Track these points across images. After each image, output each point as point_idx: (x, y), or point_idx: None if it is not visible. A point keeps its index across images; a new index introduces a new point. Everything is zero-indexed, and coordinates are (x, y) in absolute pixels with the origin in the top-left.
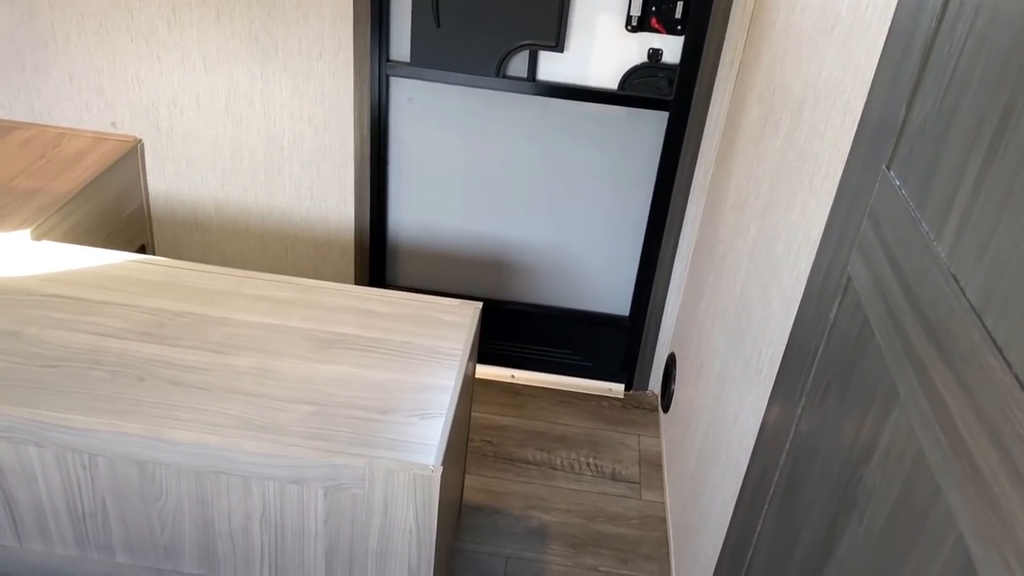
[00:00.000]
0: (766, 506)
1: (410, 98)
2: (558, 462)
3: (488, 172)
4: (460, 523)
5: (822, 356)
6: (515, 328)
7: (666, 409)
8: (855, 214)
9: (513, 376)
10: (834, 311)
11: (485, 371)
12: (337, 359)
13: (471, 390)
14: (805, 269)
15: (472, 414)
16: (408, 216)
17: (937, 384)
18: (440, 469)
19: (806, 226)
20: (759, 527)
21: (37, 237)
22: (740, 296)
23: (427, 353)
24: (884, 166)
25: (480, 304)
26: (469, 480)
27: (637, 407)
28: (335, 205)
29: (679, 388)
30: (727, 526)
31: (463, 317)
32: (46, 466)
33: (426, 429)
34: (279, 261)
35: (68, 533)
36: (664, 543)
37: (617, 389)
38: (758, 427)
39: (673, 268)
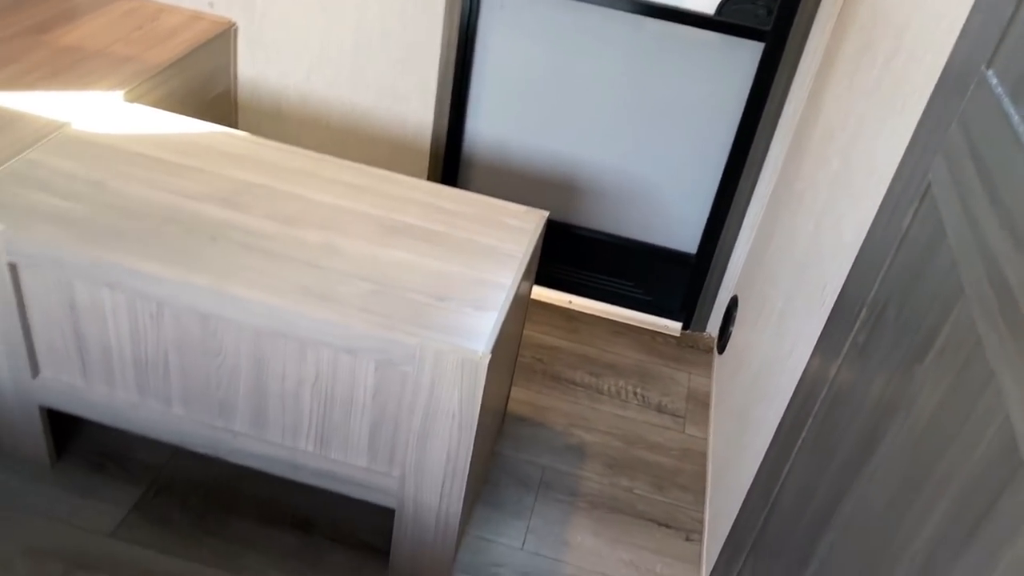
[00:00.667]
0: (809, 420)
1: (502, 4)
2: (605, 387)
3: (571, 90)
4: (503, 430)
5: (888, 270)
6: (578, 253)
7: (721, 351)
8: (944, 120)
9: (571, 302)
10: (908, 219)
11: (543, 293)
12: (400, 246)
13: (526, 302)
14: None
15: (525, 332)
16: (486, 127)
17: (1007, 275)
18: (488, 356)
19: (891, 152)
20: (800, 441)
21: (129, 100)
22: (813, 231)
23: (488, 252)
24: (983, 66)
25: (546, 213)
26: (516, 393)
27: (692, 347)
28: (415, 108)
29: (737, 331)
30: (766, 450)
31: (528, 223)
32: (117, 311)
33: (479, 320)
34: (354, 160)
35: (131, 379)
36: (702, 476)
37: (674, 327)
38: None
39: (748, 208)
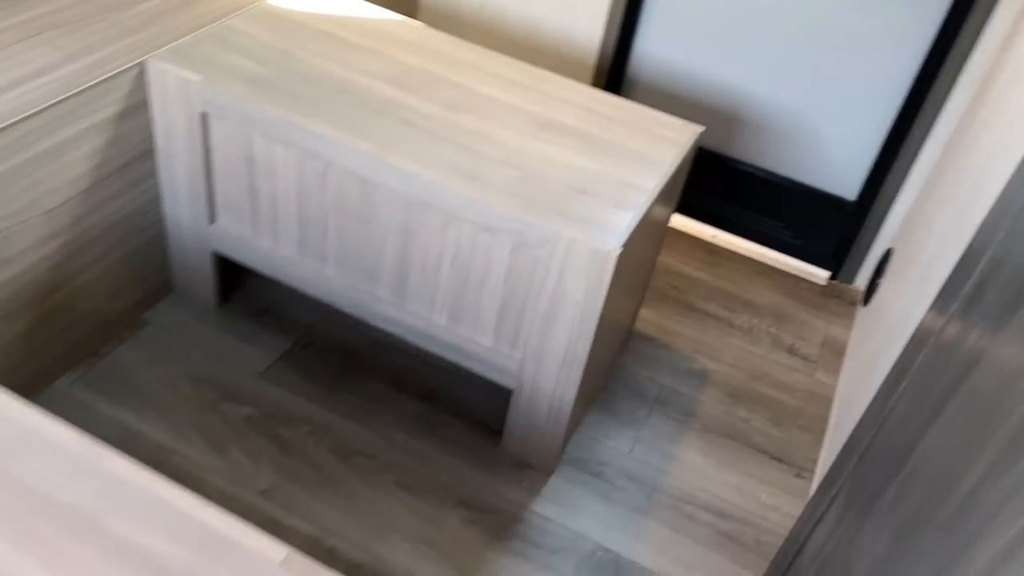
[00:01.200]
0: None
1: None
2: (738, 323)
3: (746, 16)
4: (627, 346)
5: (1012, 227)
6: (729, 187)
7: (866, 303)
8: None
9: (715, 236)
10: None
11: (687, 224)
12: (551, 140)
13: (664, 226)
14: None
15: (663, 260)
16: (654, 47)
17: None
18: (618, 251)
19: None
20: (902, 386)
21: None
22: (974, 184)
23: (636, 157)
24: None
25: (700, 128)
26: (646, 314)
27: (836, 297)
28: (585, 25)
29: (885, 283)
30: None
31: (681, 136)
32: (288, 168)
33: (615, 216)
34: None
35: (293, 236)
36: (823, 420)
37: (820, 275)
38: None
39: (918, 157)
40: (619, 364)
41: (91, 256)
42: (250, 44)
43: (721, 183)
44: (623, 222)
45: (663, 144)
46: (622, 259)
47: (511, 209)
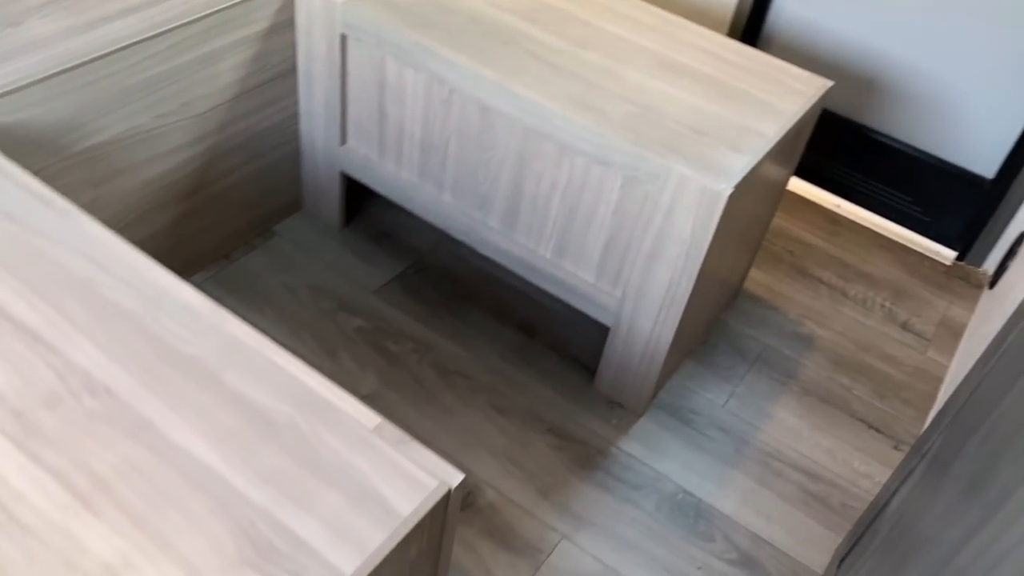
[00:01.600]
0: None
1: None
2: (852, 293)
3: None
4: (734, 304)
5: None
6: (857, 155)
7: (992, 286)
8: None
9: (838, 206)
10: None
11: (810, 191)
12: (673, 82)
13: (781, 187)
14: None
15: (781, 224)
16: (793, 7)
17: None
18: (729, 192)
19: None
20: (994, 359)
21: None
22: None
23: (758, 104)
24: None
25: (829, 83)
26: (756, 275)
27: (961, 279)
28: None
29: (1015, 267)
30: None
31: (808, 88)
32: (416, 92)
33: (730, 158)
34: None
35: (415, 161)
36: (930, 397)
37: (947, 254)
38: None
39: None
40: (723, 321)
41: (231, 164)
42: None
43: (850, 151)
44: (738, 165)
45: (789, 94)
46: (732, 203)
47: (626, 142)
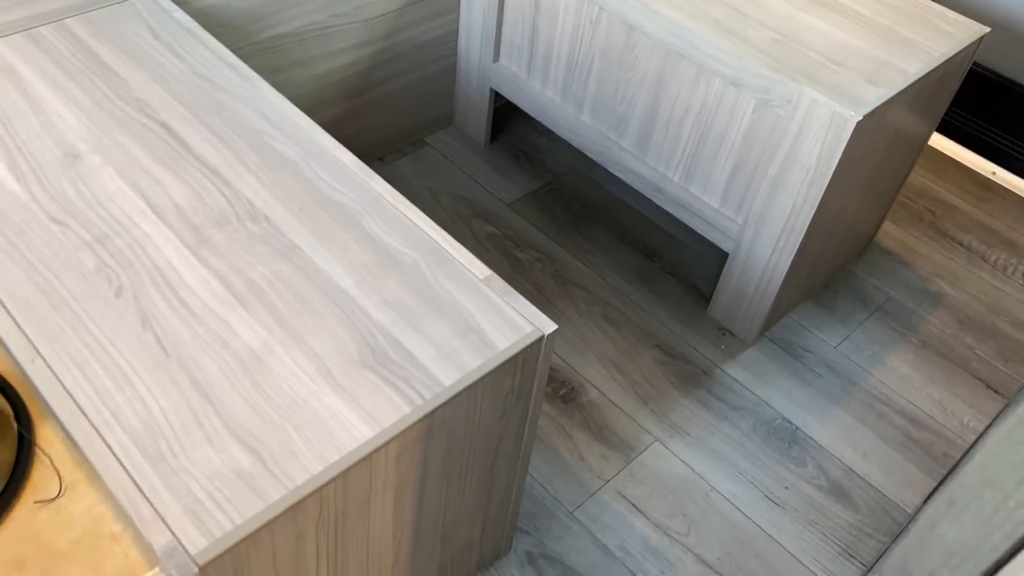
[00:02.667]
0: None
1: None
2: (992, 258)
3: None
4: (863, 255)
5: None
6: (1018, 118)
7: None
8: None
9: (994, 173)
10: None
11: (964, 155)
12: (820, 15)
13: (921, 139)
14: None
15: (927, 183)
16: None
17: None
18: (857, 120)
19: None
20: None
21: None
22: None
23: (904, 43)
24: None
25: (985, 30)
26: (891, 230)
27: None
28: None
29: None
30: None
31: (960, 32)
32: (567, 10)
33: (865, 90)
34: None
35: (559, 80)
36: None
37: None
38: None
39: None
40: (849, 269)
41: (393, 71)
42: None
43: (1012, 115)
44: (871, 96)
45: (938, 36)
46: (860, 134)
47: (761, 66)
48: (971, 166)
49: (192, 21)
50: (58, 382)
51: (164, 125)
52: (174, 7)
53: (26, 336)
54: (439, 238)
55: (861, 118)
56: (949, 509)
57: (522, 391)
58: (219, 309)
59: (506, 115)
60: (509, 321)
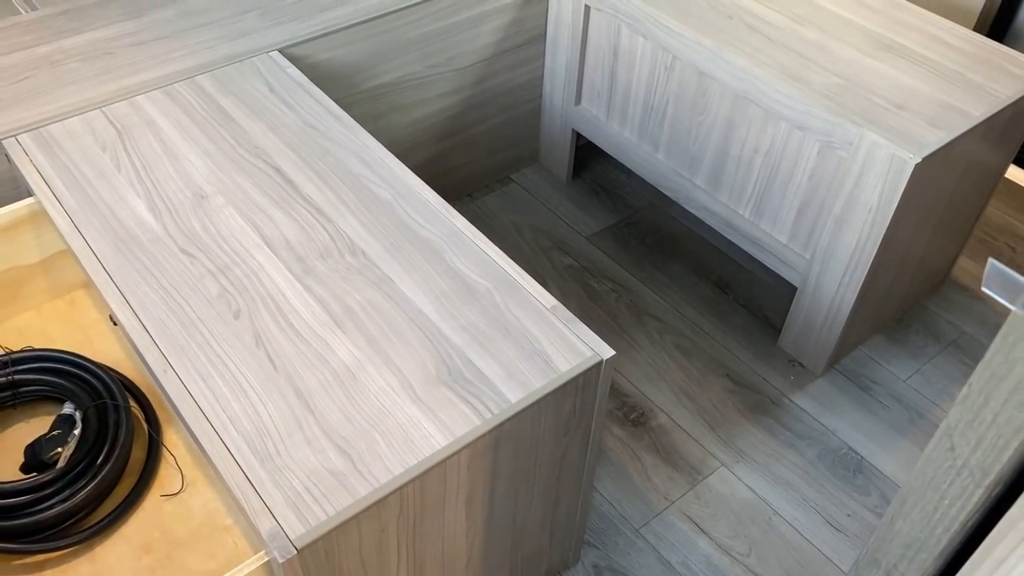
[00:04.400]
0: None
1: None
2: None
3: None
4: (937, 290)
5: None
6: None
7: None
8: None
9: None
10: None
11: None
12: (884, 60)
13: (996, 172)
14: None
15: (1006, 218)
16: None
17: None
18: (916, 162)
19: None
20: None
21: None
22: None
23: (970, 85)
24: None
25: None
26: (968, 265)
27: None
28: None
29: None
30: None
31: None
32: (643, 58)
33: (926, 132)
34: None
35: (636, 122)
36: None
37: None
38: None
39: None
40: (922, 304)
41: (483, 114)
42: None
43: None
44: (931, 139)
45: (1005, 78)
46: (921, 175)
47: (824, 110)
48: None
49: (303, 76)
50: (186, 390)
51: (277, 169)
52: (288, 64)
53: (160, 351)
54: (511, 270)
55: (920, 160)
56: (902, 507)
57: (583, 411)
58: (320, 330)
59: (588, 152)
60: (571, 346)
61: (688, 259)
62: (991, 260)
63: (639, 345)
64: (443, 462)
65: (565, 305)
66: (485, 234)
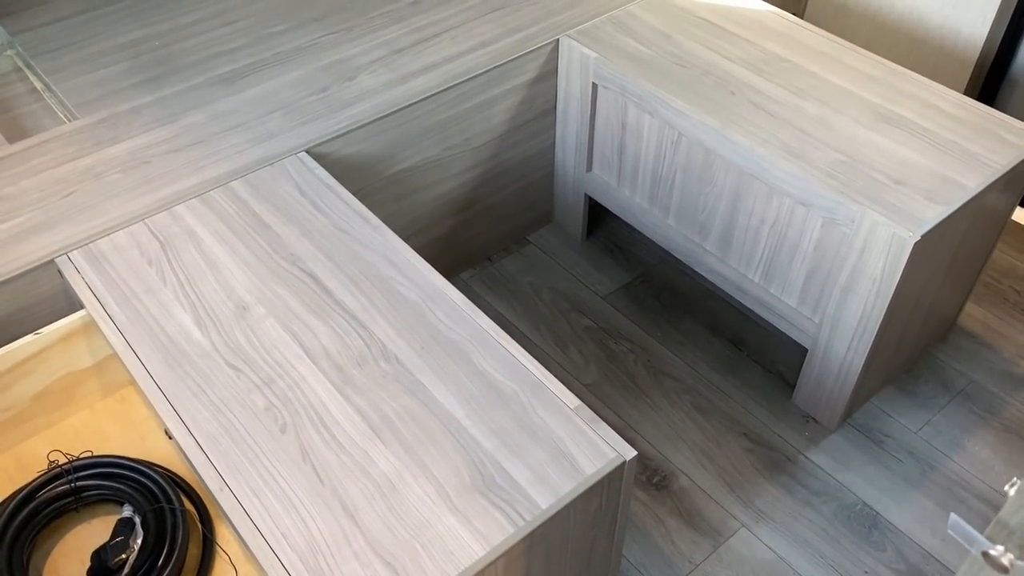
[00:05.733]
0: None
1: None
2: None
3: None
4: (945, 338)
5: None
6: None
7: None
8: None
9: None
10: None
11: None
12: (884, 132)
13: (1002, 221)
14: None
15: (1012, 260)
16: None
17: None
18: (915, 240)
19: None
20: None
21: None
22: None
23: (965, 156)
24: None
25: None
26: (974, 311)
27: None
28: (972, 20)
29: None
30: None
31: (1022, 140)
32: (650, 133)
33: (924, 208)
34: (899, 59)
35: (647, 188)
36: None
37: None
38: None
39: None
40: (931, 353)
41: (498, 185)
42: (640, 28)
43: None
44: (930, 215)
45: (1001, 147)
46: (921, 250)
47: (826, 188)
48: None
49: (330, 177)
50: (241, 508)
51: (312, 276)
52: (315, 164)
53: (215, 468)
54: (536, 370)
55: (919, 239)
56: None
57: (609, 507)
58: (360, 440)
59: (601, 211)
60: (595, 447)
61: (702, 315)
62: (952, 515)
63: (658, 406)
64: (481, 572)
65: (585, 367)
66: (506, 297)
